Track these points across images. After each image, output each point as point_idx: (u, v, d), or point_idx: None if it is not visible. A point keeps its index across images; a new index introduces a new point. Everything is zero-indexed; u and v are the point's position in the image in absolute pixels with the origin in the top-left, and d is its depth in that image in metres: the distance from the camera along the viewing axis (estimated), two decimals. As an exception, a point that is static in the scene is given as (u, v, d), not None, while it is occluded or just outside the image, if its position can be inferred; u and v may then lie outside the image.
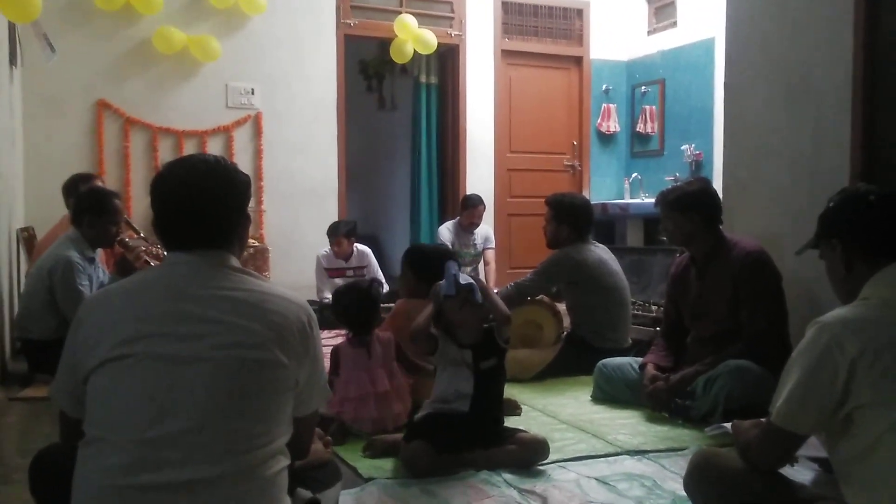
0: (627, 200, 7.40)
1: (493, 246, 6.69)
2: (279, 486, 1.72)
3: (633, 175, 7.54)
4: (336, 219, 6.73)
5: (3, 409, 3.56)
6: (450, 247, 6.40)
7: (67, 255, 3.98)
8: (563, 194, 4.75)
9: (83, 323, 1.71)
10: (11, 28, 4.81)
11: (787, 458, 1.95)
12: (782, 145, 3.74)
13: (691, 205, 3.40)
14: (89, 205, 4.11)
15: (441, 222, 7.13)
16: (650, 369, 3.50)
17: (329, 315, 3.97)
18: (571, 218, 4.46)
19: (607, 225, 7.26)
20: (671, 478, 2.66)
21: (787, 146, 3.73)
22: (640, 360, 3.68)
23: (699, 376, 3.29)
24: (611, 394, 3.67)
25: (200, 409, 1.61)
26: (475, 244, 6.61)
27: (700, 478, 2.04)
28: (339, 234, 5.98)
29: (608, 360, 3.79)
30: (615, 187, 7.74)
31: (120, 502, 1.57)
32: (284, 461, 1.73)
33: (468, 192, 6.99)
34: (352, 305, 3.24)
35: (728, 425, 2.34)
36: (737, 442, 2.10)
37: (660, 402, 3.38)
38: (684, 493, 2.47)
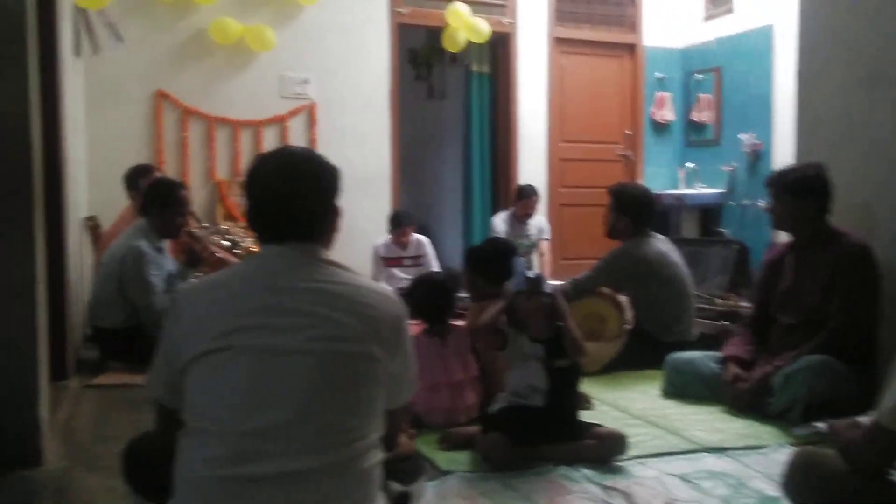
0: (682, 191, 7.29)
1: (548, 237, 6.64)
2: (374, 479, 1.72)
3: (688, 165, 7.43)
4: (388, 208, 6.75)
5: (78, 397, 3.63)
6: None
7: (138, 245, 4.04)
8: (625, 184, 4.71)
9: (182, 315, 1.72)
10: (75, 17, 4.87)
11: (893, 460, 1.90)
12: (858, 134, 3.64)
13: (809, 190, 3.32)
14: (157, 196, 4.17)
15: (493, 212, 7.10)
16: (732, 367, 3.44)
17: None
18: (633, 209, 4.41)
19: (661, 216, 7.13)
20: (756, 477, 2.62)
21: (863, 134, 3.62)
22: (712, 353, 3.62)
23: (779, 371, 3.23)
24: (682, 388, 3.62)
25: (298, 401, 1.62)
26: (529, 235, 6.57)
27: (801, 479, 2.00)
28: (404, 223, 6.03)
29: (678, 353, 3.74)
30: (669, 177, 7.63)
31: (223, 493, 1.59)
32: (379, 455, 1.74)
33: (521, 183, 6.94)
34: (426, 296, 3.24)
35: (821, 425, 2.30)
36: (836, 443, 2.05)
37: (743, 404, 3.33)
38: (771, 493, 2.45)
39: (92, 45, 5.56)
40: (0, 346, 2.53)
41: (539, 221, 6.65)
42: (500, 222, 6.51)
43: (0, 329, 2.53)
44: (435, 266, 6.18)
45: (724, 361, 3.52)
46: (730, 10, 7.06)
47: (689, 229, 7.14)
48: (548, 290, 2.83)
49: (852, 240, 3.31)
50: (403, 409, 1.95)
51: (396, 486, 2.06)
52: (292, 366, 1.63)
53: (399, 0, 6.78)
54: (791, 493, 2.06)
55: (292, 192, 1.76)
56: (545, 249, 6.59)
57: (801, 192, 3.32)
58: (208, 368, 1.65)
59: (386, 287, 1.89)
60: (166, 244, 4.31)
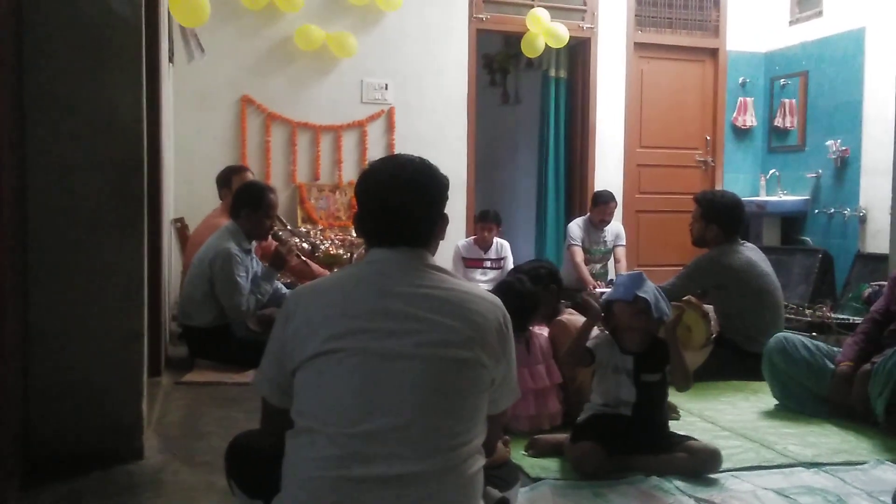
0: (764, 198, 7.12)
1: (624, 243, 6.55)
2: (477, 485, 1.74)
3: (771, 171, 7.25)
4: (464, 213, 6.79)
5: (169, 394, 3.73)
6: (579, 244, 6.33)
7: (227, 246, 4.14)
8: (713, 192, 4.62)
9: (292, 316, 1.76)
10: (170, 26, 5.03)
11: None
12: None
13: None
14: (246, 199, 4.26)
15: (568, 218, 7.05)
16: (843, 367, 3.39)
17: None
18: (721, 217, 4.33)
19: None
20: (856, 494, 2.55)
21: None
22: (821, 344, 3.57)
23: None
24: (780, 366, 3.54)
25: (407, 405, 1.64)
26: (605, 241, 6.49)
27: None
28: (490, 219, 6.13)
29: (790, 334, 3.68)
30: (750, 184, 7.46)
31: (332, 493, 1.62)
32: (482, 460, 1.75)
33: (596, 189, 6.87)
34: (511, 301, 3.22)
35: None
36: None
37: (846, 400, 3.29)
38: (874, 511, 2.37)
39: (187, 53, 5.73)
40: (113, 343, 2.63)
41: (615, 228, 6.57)
42: (576, 228, 6.46)
43: (113, 327, 2.62)
44: (513, 271, 6.18)
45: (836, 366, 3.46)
46: (819, 14, 6.86)
47: (771, 237, 6.97)
48: (654, 315, 2.78)
49: None
50: (504, 414, 1.96)
51: (495, 493, 2.07)
52: (402, 370, 1.65)
53: (479, 6, 6.80)
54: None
55: (405, 202, 1.78)
56: (621, 256, 6.49)
57: None
58: (319, 370, 1.68)
59: (491, 294, 1.90)
60: (254, 246, 4.41)
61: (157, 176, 3.58)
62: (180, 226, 5.29)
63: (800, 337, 3.65)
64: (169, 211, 5.00)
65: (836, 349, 3.58)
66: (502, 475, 2.22)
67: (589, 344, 2.85)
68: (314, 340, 1.69)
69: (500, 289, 3.33)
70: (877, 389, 3.13)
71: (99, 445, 2.63)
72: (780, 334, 3.66)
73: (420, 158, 1.88)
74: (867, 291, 4.76)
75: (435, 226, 1.84)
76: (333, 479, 1.62)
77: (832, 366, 3.45)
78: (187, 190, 5.87)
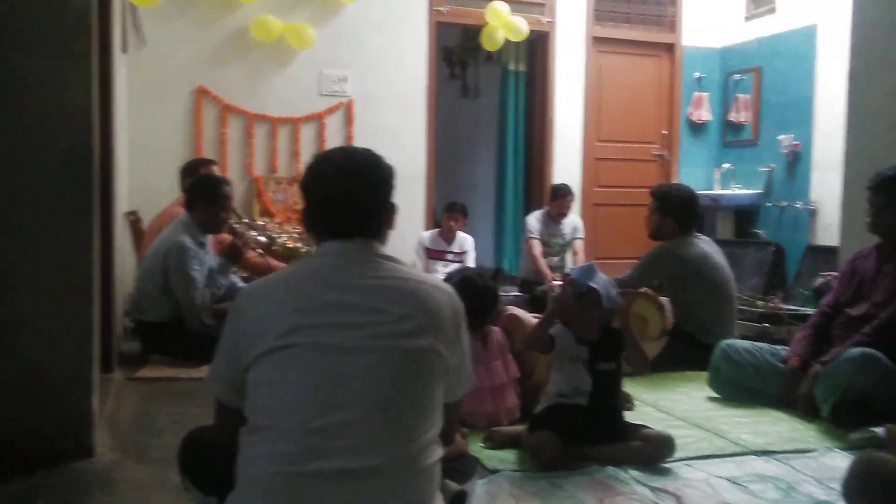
0: (718, 191, 7.22)
1: (583, 236, 6.60)
2: (434, 477, 1.73)
3: (725, 165, 7.36)
4: (423, 207, 6.79)
5: (121, 390, 3.67)
6: (538, 237, 6.36)
7: (181, 240, 4.08)
8: (669, 185, 4.67)
9: (243, 313, 1.73)
10: (123, 15, 4.93)
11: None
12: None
13: None
14: (201, 191, 4.20)
15: (526, 212, 7.07)
16: (793, 363, 3.44)
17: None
18: (677, 210, 4.38)
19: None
20: (806, 481, 2.60)
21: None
22: (763, 345, 3.61)
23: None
24: (728, 374, 3.59)
25: (364, 398, 1.63)
26: (563, 234, 6.53)
27: (863, 484, 1.98)
28: (456, 210, 6.19)
29: (730, 341, 3.73)
30: (705, 178, 7.56)
31: (288, 489, 1.60)
32: (439, 451, 1.75)
33: (555, 182, 6.91)
34: (471, 299, 3.21)
35: (878, 429, 2.27)
36: (894, 447, 2.03)
37: (799, 405, 3.34)
38: (823, 498, 2.43)
39: (140, 40, 5.62)
40: (59, 338, 2.57)
41: (573, 220, 6.61)
42: (534, 221, 6.49)
43: (60, 322, 2.57)
44: (473, 265, 6.20)
45: (784, 362, 3.52)
46: (772, 10, 6.98)
47: (725, 230, 7.08)
48: (604, 304, 2.80)
49: None
50: (459, 402, 1.96)
51: (453, 485, 2.07)
52: (359, 363, 1.64)
53: (439, -1, 6.79)
54: (852, 499, 2.04)
55: (354, 191, 1.77)
56: (579, 249, 6.54)
57: None
58: (273, 366, 1.66)
59: (442, 282, 1.90)
60: (209, 239, 4.35)
61: (109, 167, 3.51)
62: (133, 219, 5.20)
63: (741, 342, 3.72)
64: (121, 204, 4.90)
65: (778, 347, 3.66)
66: (460, 467, 2.23)
67: (551, 331, 2.87)
68: (267, 337, 1.67)
69: (459, 286, 3.30)
70: (823, 394, 3.20)
71: (48, 443, 2.58)
72: (722, 342, 3.71)
73: (365, 149, 1.87)
74: (818, 282, 4.86)
75: (384, 215, 1.83)
76: (288, 476, 1.59)
77: (778, 364, 3.52)
78: (141, 182, 5.77)
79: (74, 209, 2.58)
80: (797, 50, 6.68)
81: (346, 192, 1.77)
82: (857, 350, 3.14)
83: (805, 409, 3.30)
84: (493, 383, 3.13)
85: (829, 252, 5.66)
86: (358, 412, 1.61)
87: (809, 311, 4.55)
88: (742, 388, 3.56)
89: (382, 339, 1.66)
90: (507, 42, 7.01)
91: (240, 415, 1.72)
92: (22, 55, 2.51)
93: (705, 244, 4.40)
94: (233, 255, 4.32)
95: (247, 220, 4.99)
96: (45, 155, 2.54)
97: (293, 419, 1.62)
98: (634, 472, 2.63)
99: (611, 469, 2.65)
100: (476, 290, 3.10)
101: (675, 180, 7.36)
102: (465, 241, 6.31)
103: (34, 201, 2.54)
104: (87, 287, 2.60)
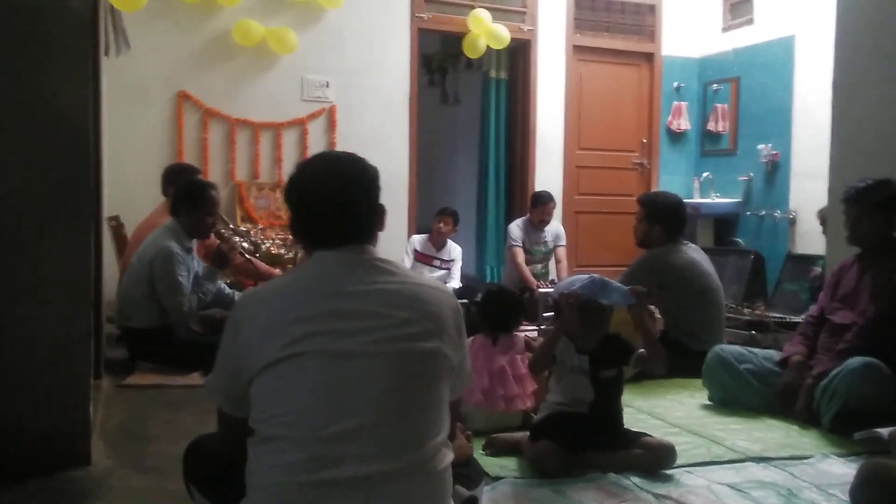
0: (698, 200, 7.29)
1: (565, 244, 6.62)
2: (447, 481, 1.73)
3: (704, 174, 7.44)
4: (406, 213, 6.78)
5: (110, 397, 3.61)
6: (520, 245, 6.37)
7: (167, 245, 4.02)
8: (655, 193, 4.71)
9: (242, 325, 1.71)
10: (107, 18, 4.86)
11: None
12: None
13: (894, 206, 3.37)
14: (187, 196, 4.15)
15: (509, 220, 7.08)
16: (790, 374, 3.47)
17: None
18: (664, 218, 4.41)
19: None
20: (806, 487, 2.62)
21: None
22: (755, 349, 3.65)
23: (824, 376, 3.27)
24: (723, 380, 3.61)
25: (373, 403, 1.62)
26: (545, 241, 6.55)
27: (870, 488, 1.99)
28: (448, 213, 6.26)
29: (724, 346, 3.75)
30: (684, 186, 7.63)
31: (300, 498, 1.58)
32: (450, 455, 1.74)
33: (537, 189, 6.93)
34: (503, 306, 3.33)
35: (884, 431, 2.29)
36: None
37: (798, 414, 3.37)
38: (825, 504, 2.44)
39: (122, 44, 5.54)
40: (55, 344, 2.51)
41: (555, 228, 6.63)
42: (516, 229, 6.50)
43: (59, 328, 2.51)
44: (457, 277, 6.21)
45: (783, 362, 3.55)
46: (750, 21, 7.07)
47: (704, 238, 7.13)
48: (616, 295, 2.82)
49: None
50: (459, 401, 1.96)
51: (463, 491, 2.06)
52: (364, 368, 1.63)
53: (421, 6, 6.79)
54: (860, 503, 2.06)
55: (343, 197, 1.75)
56: (562, 256, 6.56)
57: (888, 208, 3.36)
58: (279, 376, 1.64)
59: (441, 283, 1.90)
60: (194, 244, 4.29)
61: (99, 171, 3.45)
62: (115, 224, 5.11)
63: (734, 346, 3.75)
64: (105, 209, 4.82)
65: (770, 350, 3.70)
66: (468, 473, 2.21)
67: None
68: (270, 347, 1.64)
69: (490, 295, 3.42)
70: (825, 405, 3.23)
71: (44, 451, 2.51)
72: (715, 347, 3.74)
73: (347, 153, 1.86)
74: (815, 272, 4.97)
75: (375, 216, 1.81)
76: (300, 485, 1.58)
77: (774, 367, 3.56)
78: (121, 187, 5.66)
79: (71, 213, 2.52)
80: (775, 60, 6.78)
81: (333, 198, 1.75)
82: (857, 360, 3.17)
83: (805, 419, 3.33)
84: (515, 372, 3.16)
85: (810, 260, 5.74)
86: (367, 418, 1.60)
87: (796, 318, 4.60)
88: (737, 391, 3.58)
89: (387, 343, 1.65)
90: (488, 50, 7.04)
91: (243, 424, 1.71)
92: (19, 54, 2.46)
93: (693, 251, 4.44)
94: (220, 260, 4.27)
95: (232, 227, 4.93)
96: (40, 157, 2.49)
97: (302, 428, 1.60)
98: (637, 479, 2.63)
99: (613, 476, 2.65)
100: (507, 305, 3.33)
101: (654, 189, 7.42)
102: (453, 249, 6.35)
103: (30, 205, 2.48)
104: (83, 292, 2.55)
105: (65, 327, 2.51)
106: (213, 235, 4.43)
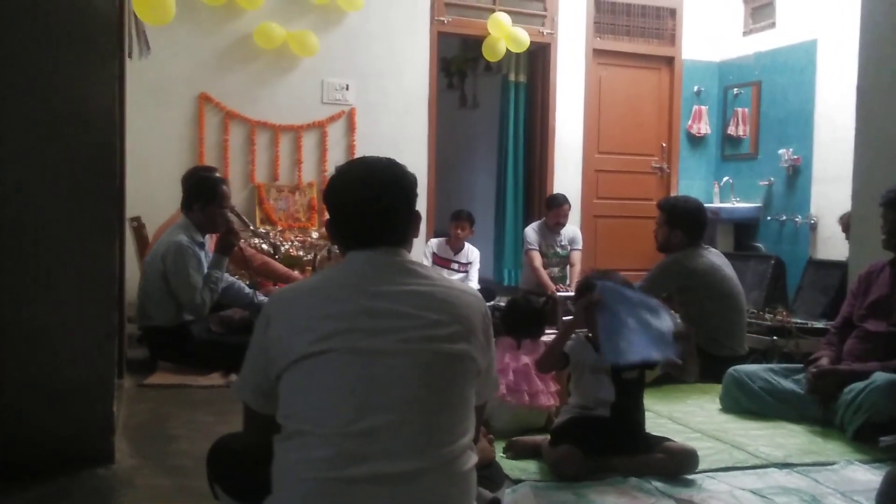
0: (718, 205, 7.25)
1: (580, 247, 6.58)
2: (471, 483, 1.74)
3: (724, 179, 7.40)
4: (425, 216, 6.76)
5: (133, 396, 3.63)
6: (536, 248, 6.35)
7: (178, 239, 4.08)
8: (676, 197, 4.69)
9: (273, 321, 1.73)
10: (130, 20, 4.90)
11: None
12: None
13: None
14: (199, 192, 4.20)
15: (526, 223, 7.06)
16: (823, 360, 3.46)
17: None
18: (684, 223, 4.39)
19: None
20: (830, 493, 2.60)
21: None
22: (775, 366, 3.62)
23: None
24: (741, 402, 3.58)
25: (401, 402, 1.63)
26: (561, 244, 6.51)
27: (898, 496, 1.97)
28: (463, 217, 6.26)
29: (739, 366, 3.72)
30: (704, 191, 7.58)
31: (326, 494, 1.60)
32: (474, 458, 1.75)
33: (554, 192, 6.92)
34: (526, 314, 3.41)
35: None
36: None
37: (819, 386, 3.35)
38: (849, 511, 2.42)
39: (143, 47, 5.58)
40: (81, 342, 2.54)
41: (571, 231, 6.60)
42: (532, 233, 6.48)
43: (86, 326, 2.53)
44: (475, 280, 6.21)
45: (812, 361, 3.53)
46: (772, 25, 7.03)
47: (724, 243, 7.09)
48: (632, 301, 2.81)
49: None
50: (484, 406, 1.97)
51: (486, 493, 2.06)
52: (393, 367, 1.64)
53: (441, 9, 6.80)
54: (887, 511, 2.04)
55: (381, 200, 1.78)
56: (576, 260, 6.52)
57: None
58: (307, 372, 1.66)
59: (471, 287, 1.92)
60: (208, 239, 4.32)
61: (123, 172, 3.47)
62: (137, 225, 5.14)
63: (752, 367, 3.72)
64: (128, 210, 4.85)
65: (792, 366, 3.67)
66: (490, 475, 2.22)
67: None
68: (299, 343, 1.67)
69: (517, 305, 3.49)
70: (849, 417, 3.20)
71: (69, 450, 2.54)
72: (730, 370, 3.70)
73: (387, 159, 1.89)
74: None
75: (410, 222, 1.85)
76: (327, 481, 1.59)
77: (791, 385, 3.52)
78: (142, 189, 5.68)
79: (96, 214, 2.55)
80: (797, 64, 6.73)
81: (372, 201, 1.78)
82: (883, 376, 3.14)
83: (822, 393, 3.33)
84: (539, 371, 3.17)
85: (832, 266, 5.69)
86: (395, 416, 1.62)
87: (818, 324, 4.57)
88: (757, 411, 3.54)
89: (416, 343, 1.67)
90: (508, 53, 7.03)
91: (270, 421, 1.72)
92: (48, 54, 2.48)
93: (714, 256, 4.42)
94: (224, 246, 4.25)
95: (252, 228, 4.95)
96: (69, 158, 2.51)
97: (329, 424, 1.62)
98: (658, 484, 2.63)
99: (634, 480, 2.65)
100: (533, 315, 3.43)
101: (674, 193, 7.38)
102: (471, 252, 6.35)
103: (58, 205, 2.51)
104: (109, 291, 2.58)
105: (89, 327, 2.53)
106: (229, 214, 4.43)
